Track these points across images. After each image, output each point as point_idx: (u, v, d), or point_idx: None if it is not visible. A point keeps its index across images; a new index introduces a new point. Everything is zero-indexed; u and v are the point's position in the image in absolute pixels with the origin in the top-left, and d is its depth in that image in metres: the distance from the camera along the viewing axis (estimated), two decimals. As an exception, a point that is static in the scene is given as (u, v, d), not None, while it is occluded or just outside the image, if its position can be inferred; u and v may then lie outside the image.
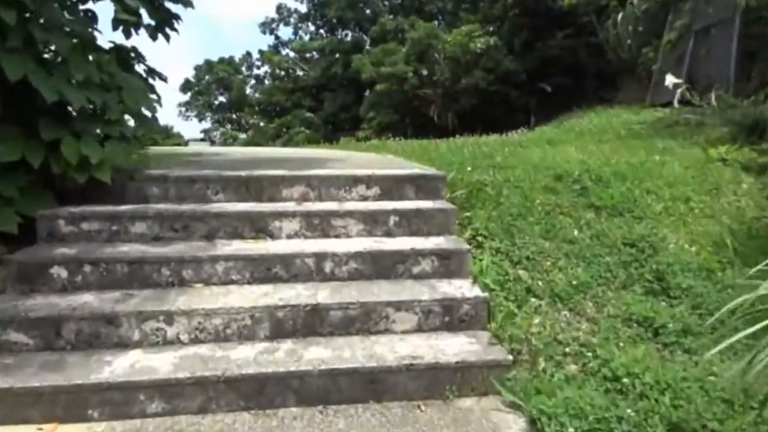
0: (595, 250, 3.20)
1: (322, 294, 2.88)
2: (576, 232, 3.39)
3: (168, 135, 33.61)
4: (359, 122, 27.10)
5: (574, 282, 2.94)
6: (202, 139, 34.81)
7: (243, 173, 3.78)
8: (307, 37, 32.96)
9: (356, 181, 3.83)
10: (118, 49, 5.44)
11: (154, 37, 5.65)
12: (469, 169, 4.70)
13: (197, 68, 35.63)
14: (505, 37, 14.21)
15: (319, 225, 3.44)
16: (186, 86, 36.95)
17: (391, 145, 11.13)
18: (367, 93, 27.68)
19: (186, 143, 29.96)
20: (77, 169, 3.51)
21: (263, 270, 3.09)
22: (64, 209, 3.48)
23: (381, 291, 2.91)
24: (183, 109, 38.40)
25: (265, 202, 3.71)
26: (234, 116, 35.51)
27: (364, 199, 3.83)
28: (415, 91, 14.74)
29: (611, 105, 12.94)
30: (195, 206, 3.52)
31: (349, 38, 29.48)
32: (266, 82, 36.02)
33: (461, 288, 2.93)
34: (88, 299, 2.88)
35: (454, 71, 14.66)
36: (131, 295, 2.93)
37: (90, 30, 4.82)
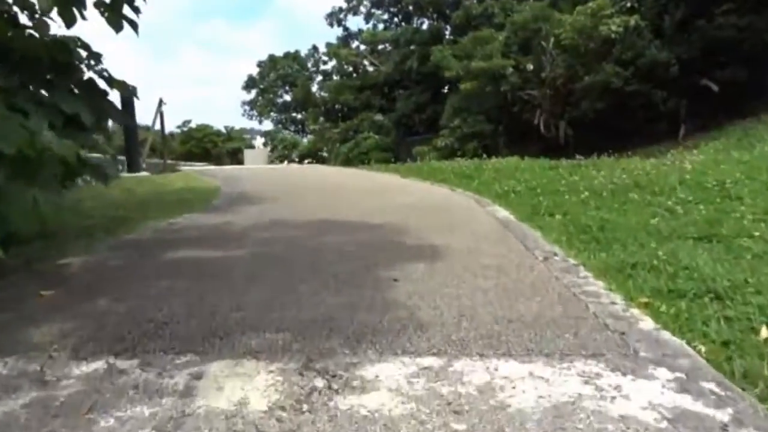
0: None
1: None
2: None
3: (230, 137, 32.91)
4: (436, 124, 24.51)
5: None
6: (264, 144, 33.90)
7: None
8: (379, 27, 30.71)
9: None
10: (48, 45, 3.40)
11: (115, 24, 3.55)
12: None
13: (261, 65, 34.72)
14: (650, 14, 10.73)
15: None
16: (249, 84, 36.19)
17: (488, 174, 8.37)
18: (446, 90, 25.10)
19: (244, 148, 28.98)
20: None
21: None
22: None
23: None
24: (247, 107, 37.76)
25: None
26: (298, 116, 34.13)
27: None
28: (516, 92, 11.79)
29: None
30: None
31: (426, 27, 26.86)
32: (334, 77, 34.42)
33: None
34: None
35: (571, 65, 11.52)
36: None
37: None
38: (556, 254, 3.10)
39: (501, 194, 5.85)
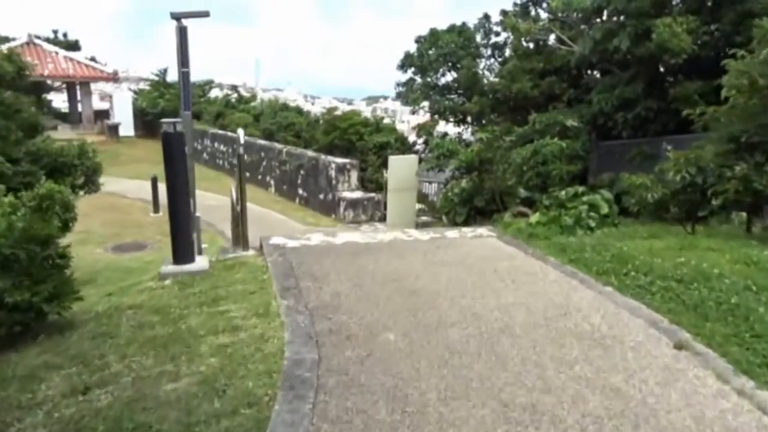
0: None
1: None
2: None
3: (378, 128, 30.63)
4: (646, 126, 19.16)
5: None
6: (418, 134, 31.06)
7: None
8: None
9: None
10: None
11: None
12: None
13: (419, 40, 31.58)
14: None
15: None
16: (405, 62, 33.29)
17: None
18: (666, 79, 19.56)
19: (390, 152, 26.33)
20: None
21: None
22: None
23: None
24: (402, 89, 35.10)
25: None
26: (460, 102, 30.47)
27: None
28: None
29: None
30: None
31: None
32: (506, 52, 29.98)
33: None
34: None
35: None
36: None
37: None
38: None
39: None
